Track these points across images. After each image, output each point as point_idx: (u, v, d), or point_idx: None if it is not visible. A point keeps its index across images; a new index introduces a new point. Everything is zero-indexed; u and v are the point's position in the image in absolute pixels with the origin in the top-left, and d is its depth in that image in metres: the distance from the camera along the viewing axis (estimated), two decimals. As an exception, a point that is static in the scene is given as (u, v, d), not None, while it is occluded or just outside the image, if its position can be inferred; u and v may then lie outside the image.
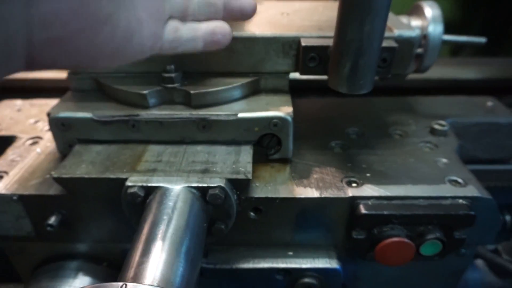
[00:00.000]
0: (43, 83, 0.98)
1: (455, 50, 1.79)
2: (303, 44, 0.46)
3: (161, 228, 0.36)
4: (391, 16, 0.54)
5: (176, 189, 0.41)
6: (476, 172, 0.63)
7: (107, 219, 0.48)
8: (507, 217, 0.67)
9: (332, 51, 0.43)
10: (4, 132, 0.56)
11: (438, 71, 0.97)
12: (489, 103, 0.64)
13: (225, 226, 0.44)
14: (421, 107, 0.64)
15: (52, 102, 0.66)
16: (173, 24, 0.38)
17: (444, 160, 0.50)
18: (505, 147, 0.61)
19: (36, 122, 0.59)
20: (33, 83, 0.98)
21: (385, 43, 0.45)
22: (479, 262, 0.67)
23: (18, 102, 0.65)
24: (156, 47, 0.36)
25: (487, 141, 0.61)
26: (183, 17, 0.39)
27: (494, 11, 1.69)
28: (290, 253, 0.48)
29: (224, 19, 0.43)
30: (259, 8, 0.60)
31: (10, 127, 0.58)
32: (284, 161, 0.50)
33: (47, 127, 0.58)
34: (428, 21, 0.55)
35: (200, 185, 0.41)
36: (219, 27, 0.41)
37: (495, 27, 1.74)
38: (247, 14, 0.43)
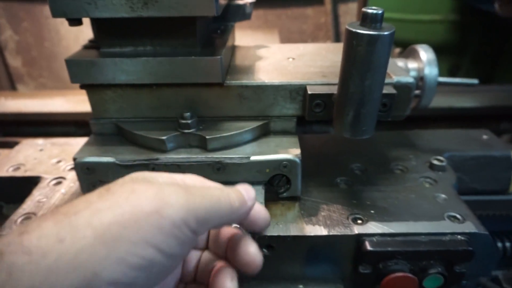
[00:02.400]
0: (55, 116, 1.03)
1: (453, 71, 1.84)
2: (309, 92, 0.51)
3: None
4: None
5: (195, 230, 0.44)
6: (475, 203, 0.66)
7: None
8: (507, 244, 0.70)
9: (336, 101, 0.47)
10: (29, 172, 0.60)
11: (435, 100, 1.02)
12: (485, 136, 0.68)
13: (240, 263, 0.47)
14: (420, 141, 0.67)
15: (71, 141, 0.70)
16: None
17: (443, 195, 0.53)
18: (500, 179, 0.64)
19: (58, 162, 0.63)
20: (45, 116, 1.03)
21: (385, 90, 0.49)
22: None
23: (40, 142, 0.69)
24: None
25: (483, 174, 0.64)
26: None
27: (488, 35, 1.75)
28: (301, 286, 0.51)
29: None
30: (266, 53, 0.65)
31: (34, 167, 0.62)
32: (294, 198, 0.53)
33: (69, 167, 0.62)
34: (423, 63, 0.59)
35: (218, 226, 0.44)
36: None
37: (489, 52, 1.80)
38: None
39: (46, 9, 1.39)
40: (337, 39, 1.32)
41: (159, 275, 0.29)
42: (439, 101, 0.99)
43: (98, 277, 0.24)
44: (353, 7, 1.26)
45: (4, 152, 0.85)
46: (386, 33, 0.41)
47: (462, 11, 1.77)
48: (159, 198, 0.29)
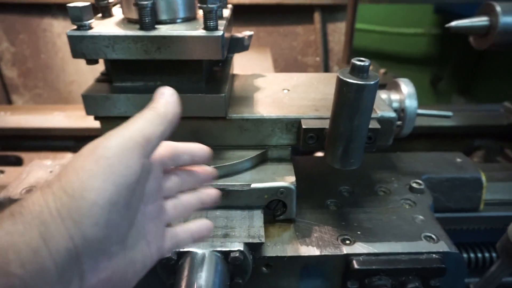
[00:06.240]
0: (55, 131, 1.06)
1: (434, 82, 1.94)
2: (303, 126, 0.57)
3: (195, 290, 0.45)
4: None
5: (203, 253, 0.49)
6: (450, 219, 0.73)
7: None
8: (479, 255, 0.78)
9: (328, 136, 0.53)
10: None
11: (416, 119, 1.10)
12: (458, 159, 0.75)
13: (242, 281, 0.53)
14: (401, 164, 0.74)
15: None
16: (171, 233, 0.43)
17: (421, 217, 0.60)
18: (472, 198, 0.71)
19: (69, 183, 0.67)
20: (45, 131, 1.06)
21: (370, 125, 0.55)
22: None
23: (48, 163, 0.73)
24: (160, 256, 0.42)
25: (457, 194, 0.71)
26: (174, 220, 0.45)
27: (467, 48, 1.85)
28: (295, 298, 0.57)
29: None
30: (263, 83, 0.71)
31: (46, 189, 0.65)
32: (289, 220, 0.59)
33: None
34: (404, 96, 0.66)
35: (223, 249, 0.50)
36: (204, 225, 0.45)
37: (468, 64, 1.89)
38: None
39: (43, 22, 1.41)
40: (325, 56, 1.39)
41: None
42: (420, 120, 1.06)
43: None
44: (341, 26, 1.33)
45: (9, 169, 0.89)
46: (372, 82, 0.47)
47: (443, 25, 1.87)
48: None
